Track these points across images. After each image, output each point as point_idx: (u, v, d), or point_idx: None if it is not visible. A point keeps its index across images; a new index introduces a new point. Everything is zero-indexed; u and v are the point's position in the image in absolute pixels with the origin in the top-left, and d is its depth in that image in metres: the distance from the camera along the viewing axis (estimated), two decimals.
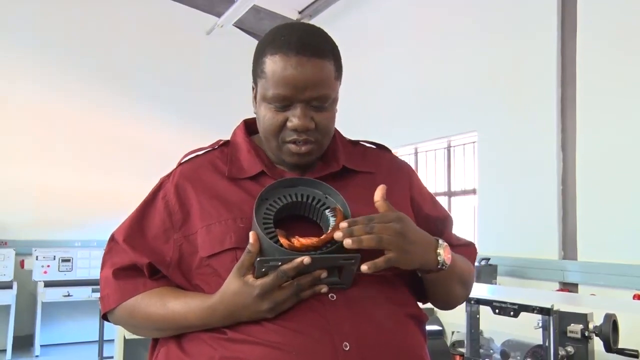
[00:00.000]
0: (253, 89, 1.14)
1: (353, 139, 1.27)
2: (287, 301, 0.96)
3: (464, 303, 1.67)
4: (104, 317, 1.17)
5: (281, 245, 0.96)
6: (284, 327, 0.97)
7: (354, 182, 1.14)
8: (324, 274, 0.96)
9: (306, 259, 0.91)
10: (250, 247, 0.95)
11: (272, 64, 1.04)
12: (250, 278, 0.95)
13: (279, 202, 1.03)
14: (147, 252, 1.09)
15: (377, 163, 1.14)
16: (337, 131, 1.21)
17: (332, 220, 1.00)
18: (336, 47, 1.10)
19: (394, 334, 1.03)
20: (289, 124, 1.05)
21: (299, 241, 0.96)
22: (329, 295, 1.00)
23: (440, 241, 1.05)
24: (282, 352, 0.95)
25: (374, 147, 1.27)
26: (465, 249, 1.24)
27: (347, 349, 0.96)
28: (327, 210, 1.02)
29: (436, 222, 1.20)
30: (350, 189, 1.10)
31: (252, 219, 0.99)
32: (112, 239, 1.16)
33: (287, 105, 1.05)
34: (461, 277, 1.17)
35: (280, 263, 0.94)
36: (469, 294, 1.26)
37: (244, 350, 0.97)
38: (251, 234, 0.96)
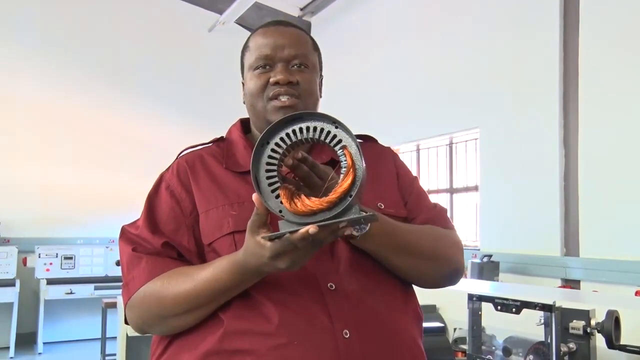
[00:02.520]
0: (243, 85, 1.22)
1: None
2: (306, 256, 0.91)
3: (467, 300, 1.68)
4: (126, 317, 1.12)
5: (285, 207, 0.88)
6: (285, 315, 0.98)
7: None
8: (342, 224, 0.88)
9: (312, 229, 0.83)
10: (257, 210, 0.90)
11: (255, 37, 1.19)
12: (261, 238, 0.89)
13: (282, 145, 0.91)
14: (165, 237, 1.09)
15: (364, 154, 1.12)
16: None
17: (343, 162, 0.88)
18: (312, 37, 1.23)
19: (392, 322, 1.06)
20: (271, 80, 1.13)
21: (303, 203, 0.87)
22: (329, 285, 1.02)
23: None
24: (284, 341, 0.96)
25: (361, 140, 1.27)
26: (436, 212, 1.23)
27: (347, 336, 0.98)
28: (337, 147, 0.90)
29: (413, 198, 1.22)
30: None
31: (251, 168, 0.90)
32: (127, 231, 1.14)
33: (269, 65, 1.14)
34: (417, 249, 1.10)
35: (286, 233, 0.87)
36: (449, 269, 1.16)
37: (244, 342, 0.98)
38: (255, 198, 0.89)
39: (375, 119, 5.93)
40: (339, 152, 0.89)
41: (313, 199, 0.88)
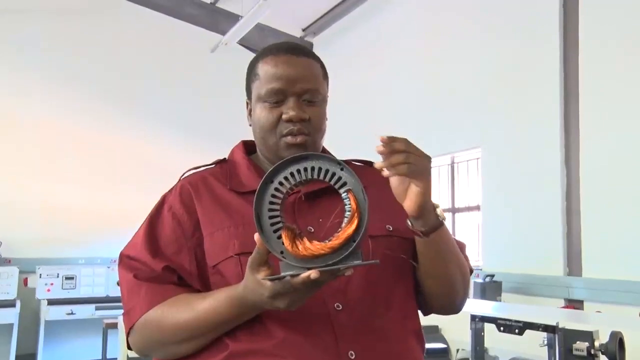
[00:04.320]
0: (247, 104, 1.21)
1: (343, 159, 1.28)
2: (305, 297, 0.91)
3: (469, 321, 1.66)
4: (128, 342, 1.11)
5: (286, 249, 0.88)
6: (291, 335, 0.98)
7: None
8: (343, 267, 0.87)
9: (313, 274, 0.84)
10: (258, 249, 0.90)
11: (264, 65, 1.14)
12: (261, 277, 0.90)
13: (285, 184, 0.90)
14: (167, 260, 1.09)
15: (368, 178, 1.10)
16: (328, 152, 1.25)
17: (347, 206, 0.89)
18: (321, 60, 1.20)
19: (397, 345, 1.05)
20: (284, 117, 1.11)
21: (305, 247, 0.87)
22: (335, 305, 1.02)
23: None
24: None
25: (363, 164, 1.28)
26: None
27: (352, 357, 0.98)
28: (342, 190, 0.89)
29: None
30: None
31: (254, 207, 0.89)
32: (126, 256, 1.13)
33: (280, 100, 1.12)
34: (458, 259, 1.14)
35: (286, 276, 0.87)
36: (466, 290, 1.20)
37: None
38: (256, 238, 0.89)
39: (376, 139, 5.93)
40: (343, 195, 0.89)
41: (315, 243, 0.87)
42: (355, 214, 0.87)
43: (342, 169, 0.90)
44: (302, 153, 0.93)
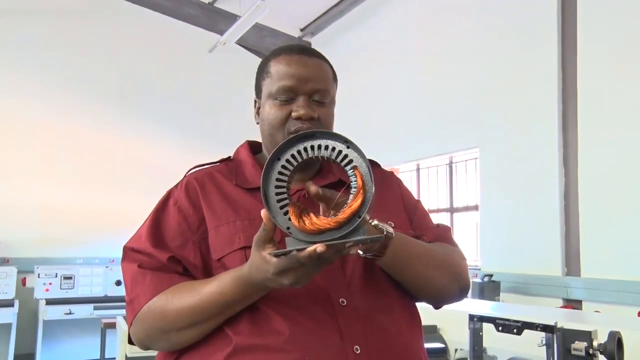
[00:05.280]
0: (255, 102, 1.23)
1: None
2: (311, 274, 0.92)
3: (468, 321, 1.67)
4: (130, 335, 1.11)
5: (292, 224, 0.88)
6: (296, 331, 0.99)
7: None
8: (349, 244, 0.88)
9: (319, 248, 0.84)
10: (264, 226, 0.90)
11: (277, 64, 1.16)
12: (267, 254, 0.90)
13: (293, 162, 0.91)
14: (171, 251, 1.10)
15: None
16: None
17: (353, 183, 0.89)
18: (331, 63, 1.23)
19: (401, 340, 1.07)
20: (293, 114, 1.12)
21: (311, 222, 0.88)
22: (340, 300, 1.03)
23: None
24: (294, 357, 0.97)
25: None
26: (440, 230, 1.27)
27: (358, 352, 0.99)
28: (348, 167, 0.90)
29: (417, 218, 1.27)
30: None
31: (261, 184, 0.90)
32: (131, 249, 1.13)
33: (291, 98, 1.14)
34: (433, 260, 1.14)
35: (293, 250, 0.87)
36: (462, 282, 1.19)
37: (254, 357, 0.98)
38: (263, 214, 0.89)
39: (375, 139, 5.95)
40: (349, 172, 0.90)
41: (321, 218, 0.89)
42: (361, 190, 0.88)
43: (348, 147, 0.91)
44: (309, 130, 0.94)
